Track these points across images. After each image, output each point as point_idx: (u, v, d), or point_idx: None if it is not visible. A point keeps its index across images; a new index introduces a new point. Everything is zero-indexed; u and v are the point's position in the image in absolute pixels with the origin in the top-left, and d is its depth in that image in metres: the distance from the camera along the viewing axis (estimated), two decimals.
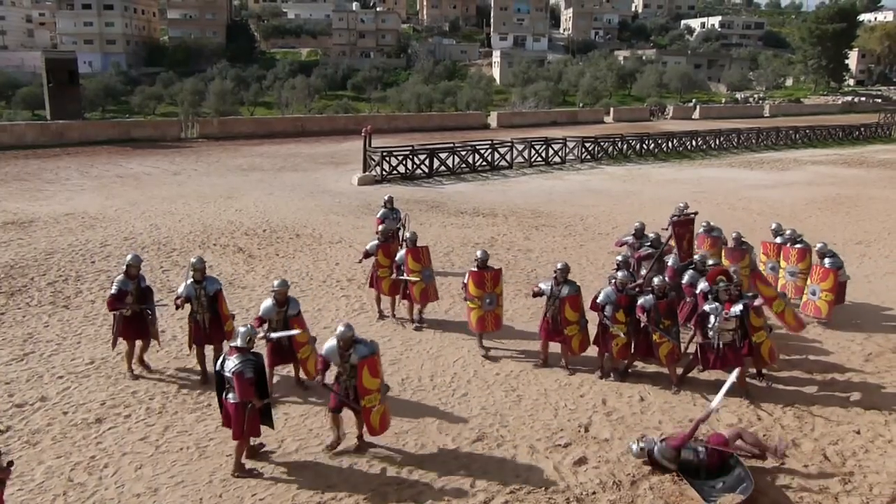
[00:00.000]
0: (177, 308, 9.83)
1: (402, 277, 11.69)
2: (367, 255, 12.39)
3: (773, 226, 14.40)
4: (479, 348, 11.11)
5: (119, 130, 36.43)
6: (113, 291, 9.65)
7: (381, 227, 12.96)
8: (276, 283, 9.38)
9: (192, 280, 9.67)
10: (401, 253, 11.86)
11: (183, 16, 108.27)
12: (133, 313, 9.73)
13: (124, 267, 9.86)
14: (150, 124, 40.58)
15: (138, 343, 9.98)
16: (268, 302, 9.30)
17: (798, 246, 13.36)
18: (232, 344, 7.84)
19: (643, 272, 11.80)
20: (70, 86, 36.96)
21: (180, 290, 9.75)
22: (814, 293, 12.58)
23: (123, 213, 20.13)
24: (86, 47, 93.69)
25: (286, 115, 63.01)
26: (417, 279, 11.59)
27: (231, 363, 7.56)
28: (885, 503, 7.43)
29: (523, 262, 16.12)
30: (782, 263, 13.46)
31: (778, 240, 13.91)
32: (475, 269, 10.92)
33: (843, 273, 12.84)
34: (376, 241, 12.40)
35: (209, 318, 9.73)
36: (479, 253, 11.13)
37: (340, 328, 7.88)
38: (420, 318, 12.15)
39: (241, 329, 7.85)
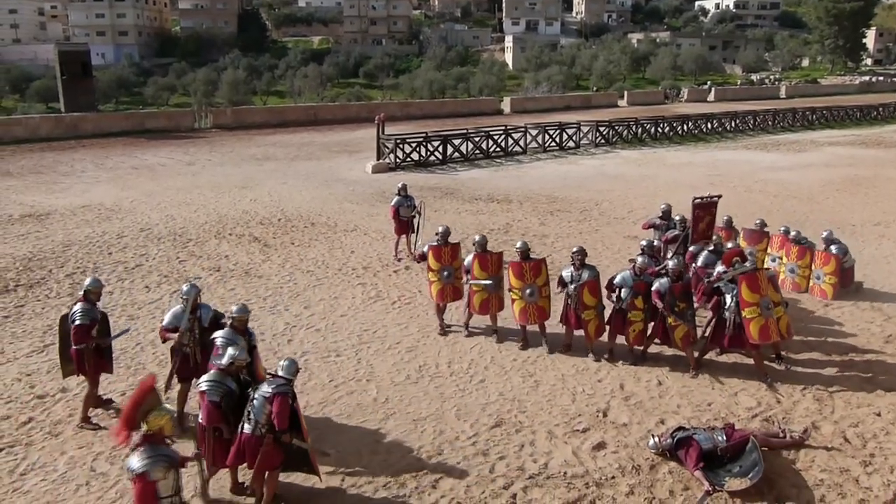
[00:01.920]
0: (164, 341, 8.58)
1: (472, 282, 10.74)
2: (422, 257, 11.50)
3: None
4: (548, 345, 10.58)
5: (133, 122, 36.59)
6: (84, 322, 8.23)
7: (440, 230, 11.56)
8: (234, 308, 7.98)
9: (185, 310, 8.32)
10: (468, 258, 10.92)
11: (194, 6, 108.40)
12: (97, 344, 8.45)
13: (81, 292, 8.53)
14: (163, 115, 40.70)
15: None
16: (225, 331, 7.83)
17: (801, 244, 13.42)
18: (216, 362, 7.21)
19: (670, 255, 11.76)
20: (83, 78, 37.01)
21: (168, 319, 8.36)
22: (818, 277, 13.05)
23: (139, 204, 20.23)
24: (98, 39, 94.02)
25: (299, 103, 63.00)
26: (479, 288, 10.75)
27: (203, 380, 6.96)
28: None
29: (539, 248, 16.06)
30: (784, 259, 13.45)
31: (784, 230, 13.87)
32: (515, 261, 10.64)
33: (849, 258, 13.19)
34: (434, 242, 11.41)
35: (201, 351, 8.32)
36: (518, 244, 10.77)
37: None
38: (466, 325, 11.26)
39: (231, 350, 7.07)
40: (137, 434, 5.83)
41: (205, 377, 6.98)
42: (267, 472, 6.75)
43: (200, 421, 6.93)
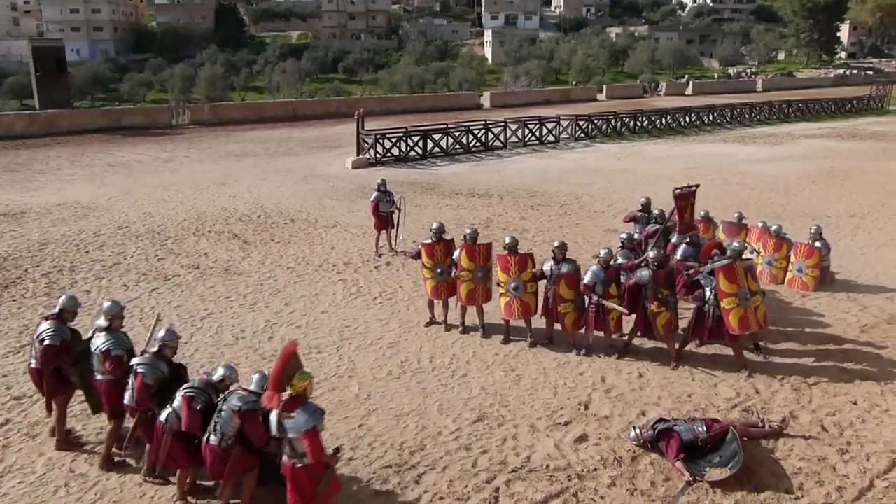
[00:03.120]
0: (119, 375, 7.44)
1: (459, 273, 10.78)
2: (417, 255, 11.29)
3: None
4: (533, 339, 10.66)
5: (109, 118, 36.13)
6: (54, 342, 7.53)
7: (434, 227, 11.41)
8: (161, 333, 7.33)
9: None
10: (456, 251, 10.90)
11: (170, 0, 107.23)
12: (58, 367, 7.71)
13: (56, 310, 7.83)
14: (140, 111, 40.27)
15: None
16: (146, 357, 7.25)
17: (780, 237, 13.57)
18: (205, 374, 7.16)
19: (650, 248, 11.83)
20: (58, 74, 36.55)
21: (118, 349, 7.43)
22: (800, 270, 13.15)
23: (116, 201, 20.02)
24: (73, 35, 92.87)
25: (277, 99, 62.62)
26: (467, 279, 10.74)
27: (188, 387, 6.86)
28: (881, 472, 7.49)
29: (520, 242, 16.08)
30: (761, 251, 13.57)
31: (762, 225, 14.00)
32: (502, 254, 10.68)
33: (828, 259, 13.34)
34: (428, 240, 11.31)
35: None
36: (507, 239, 10.81)
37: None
38: (462, 319, 11.20)
39: (222, 369, 7.02)
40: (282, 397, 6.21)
41: (189, 385, 6.89)
42: (246, 474, 6.73)
43: (161, 420, 6.81)
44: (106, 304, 7.72)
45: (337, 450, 6.55)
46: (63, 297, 8.04)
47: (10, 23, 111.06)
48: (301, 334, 11.05)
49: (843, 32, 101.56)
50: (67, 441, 7.95)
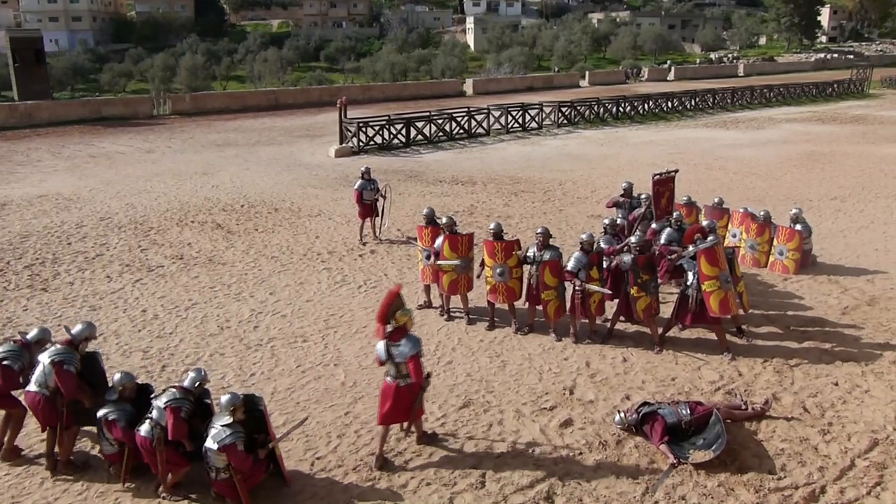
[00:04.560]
0: (75, 396, 7.26)
1: (438, 263, 10.80)
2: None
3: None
4: (517, 324, 10.74)
5: (89, 109, 35.76)
6: (12, 366, 7.40)
7: (425, 212, 11.75)
8: (117, 376, 7.17)
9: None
10: (439, 239, 10.89)
11: None
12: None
13: (29, 337, 7.74)
14: (120, 102, 39.84)
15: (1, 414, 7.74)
16: (113, 403, 7.07)
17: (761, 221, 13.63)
18: (179, 383, 7.22)
19: (639, 233, 11.90)
20: (37, 65, 36.16)
21: (72, 367, 7.19)
22: (781, 253, 13.24)
23: (98, 192, 19.85)
24: (51, 25, 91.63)
25: (259, 88, 62.14)
26: (450, 269, 10.75)
27: (169, 397, 6.87)
28: (862, 451, 7.60)
29: (504, 229, 16.11)
30: (743, 235, 13.66)
31: (742, 210, 14.11)
32: (488, 240, 10.71)
33: (810, 241, 13.44)
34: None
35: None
36: (492, 225, 10.86)
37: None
38: (447, 307, 11.32)
39: (192, 373, 7.18)
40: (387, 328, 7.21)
41: (169, 395, 6.89)
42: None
43: (143, 436, 6.78)
44: (79, 326, 7.57)
45: (428, 374, 7.45)
46: (38, 329, 7.89)
47: None
48: (286, 323, 11.05)
49: (824, 16, 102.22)
50: (14, 453, 7.62)
